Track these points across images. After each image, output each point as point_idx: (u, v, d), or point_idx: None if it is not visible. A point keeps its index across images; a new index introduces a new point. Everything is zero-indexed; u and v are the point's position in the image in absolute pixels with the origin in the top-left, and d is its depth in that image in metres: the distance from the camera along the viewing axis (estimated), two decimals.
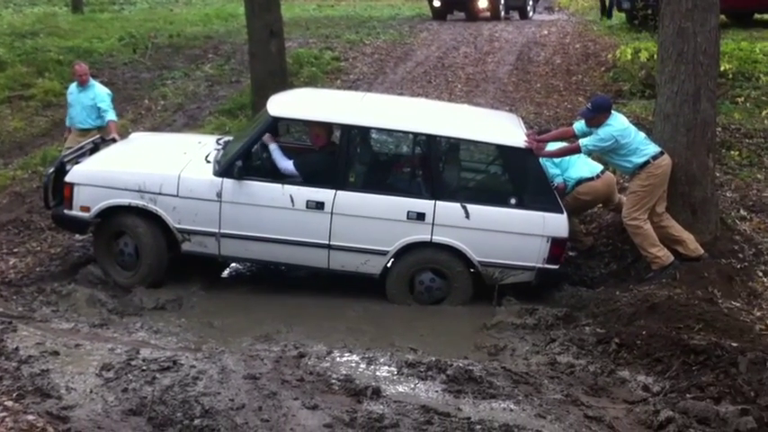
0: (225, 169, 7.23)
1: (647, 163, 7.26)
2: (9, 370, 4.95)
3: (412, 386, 5.24)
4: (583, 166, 7.81)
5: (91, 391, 4.77)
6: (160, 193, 7.25)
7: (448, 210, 7.15)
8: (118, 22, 19.97)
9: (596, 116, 7.30)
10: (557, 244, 7.17)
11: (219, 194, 7.21)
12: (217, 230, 7.28)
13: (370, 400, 4.93)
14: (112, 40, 17.17)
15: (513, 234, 7.17)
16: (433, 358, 5.66)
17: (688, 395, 5.30)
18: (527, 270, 7.26)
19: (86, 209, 7.34)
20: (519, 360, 6.15)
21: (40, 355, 5.19)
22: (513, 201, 7.20)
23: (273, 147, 7.48)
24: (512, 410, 4.94)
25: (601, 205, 8.27)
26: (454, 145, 7.69)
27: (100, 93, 9.43)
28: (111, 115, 9.23)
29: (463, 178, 7.84)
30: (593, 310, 6.95)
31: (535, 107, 12.49)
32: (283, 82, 11.46)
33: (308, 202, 7.17)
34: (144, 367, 5.05)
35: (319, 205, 7.16)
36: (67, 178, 7.43)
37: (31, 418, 4.35)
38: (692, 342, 5.86)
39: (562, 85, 13.98)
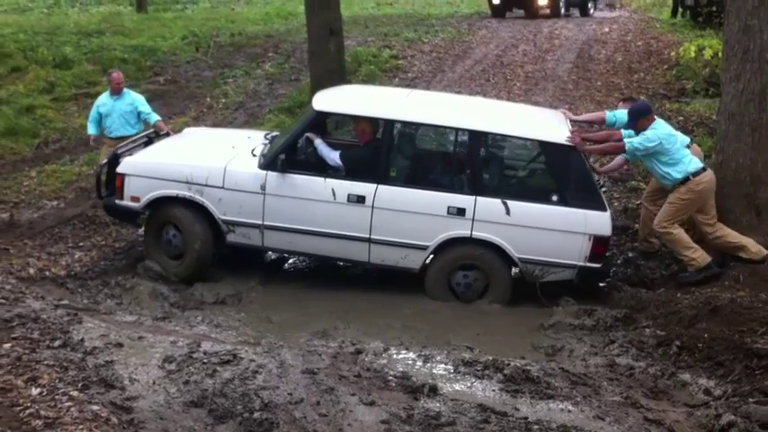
0: (269, 162, 7.36)
1: (686, 179, 7.19)
2: (74, 361, 5.08)
3: (469, 385, 5.24)
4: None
5: (153, 383, 4.87)
6: (206, 185, 7.40)
7: (488, 206, 7.11)
8: (181, 21, 20.32)
9: (639, 121, 7.23)
10: (599, 242, 7.06)
11: (263, 187, 7.32)
12: (260, 222, 7.38)
13: (427, 398, 4.95)
14: (175, 38, 17.47)
15: (554, 231, 7.09)
16: (490, 357, 5.65)
17: (750, 399, 5.21)
18: (568, 268, 7.17)
19: (136, 199, 7.55)
20: (577, 361, 6.09)
21: (105, 347, 5.31)
22: (554, 198, 7.12)
23: (319, 141, 7.55)
24: (570, 411, 4.91)
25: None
26: (495, 141, 7.67)
27: (137, 98, 9.50)
28: (155, 116, 9.35)
29: (504, 174, 7.77)
30: (653, 312, 6.84)
31: (595, 105, 12.34)
32: (342, 80, 11.53)
33: (349, 195, 7.22)
34: (205, 360, 5.14)
35: (360, 199, 7.21)
36: (119, 169, 7.65)
37: (95, 408, 4.47)
38: (755, 346, 5.75)
39: (623, 83, 13.79)
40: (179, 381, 4.89)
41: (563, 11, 22.29)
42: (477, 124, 7.39)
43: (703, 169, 7.25)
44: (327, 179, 7.29)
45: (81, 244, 8.25)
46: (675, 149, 7.22)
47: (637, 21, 20.67)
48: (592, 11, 23.72)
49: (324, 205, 7.26)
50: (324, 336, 6.46)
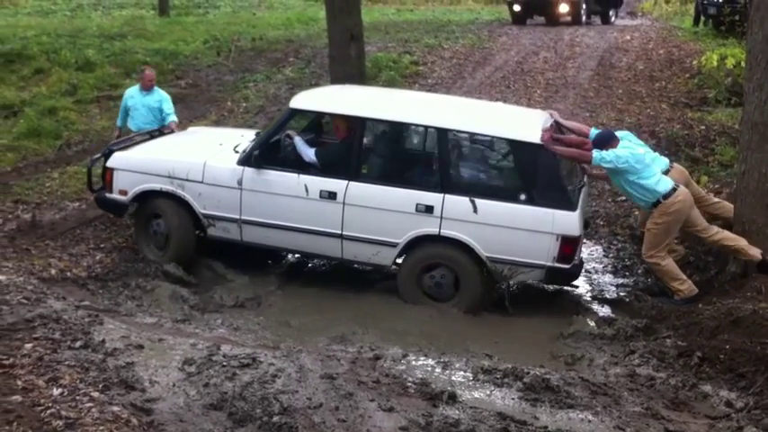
0: (245, 158, 7.53)
1: (657, 202, 7.16)
2: (95, 362, 5.11)
3: (488, 392, 5.23)
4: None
5: (173, 385, 4.89)
6: (187, 180, 7.63)
7: (456, 203, 7.07)
8: (202, 26, 20.41)
9: (605, 148, 7.17)
10: (567, 243, 6.93)
11: (240, 182, 7.50)
12: (238, 217, 7.55)
13: (446, 405, 4.94)
14: (197, 42, 17.55)
15: (521, 230, 6.98)
16: (510, 365, 5.63)
17: None
18: (536, 268, 7.05)
19: (124, 192, 7.85)
20: (597, 371, 6.06)
21: (125, 348, 5.35)
22: (522, 196, 7.01)
23: (297, 138, 7.68)
24: (590, 421, 4.88)
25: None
26: (464, 138, 7.60)
27: (165, 96, 9.74)
28: (172, 117, 9.56)
29: (473, 172, 7.70)
30: (674, 323, 6.80)
31: (616, 113, 12.30)
32: (362, 85, 11.53)
33: (321, 191, 7.30)
34: (225, 363, 5.16)
35: (332, 195, 7.28)
36: (108, 164, 7.97)
37: (115, 409, 4.49)
38: None
39: (645, 92, 13.72)
40: (199, 383, 4.91)
41: (584, 18, 22.18)
42: (445, 121, 7.34)
43: (673, 190, 7.18)
44: (301, 175, 7.40)
45: (102, 245, 8.29)
46: (643, 169, 7.15)
47: (658, 29, 20.56)
48: (613, 18, 23.61)
49: (297, 201, 7.37)
50: (342, 341, 6.47)
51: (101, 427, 4.23)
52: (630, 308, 7.36)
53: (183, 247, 7.78)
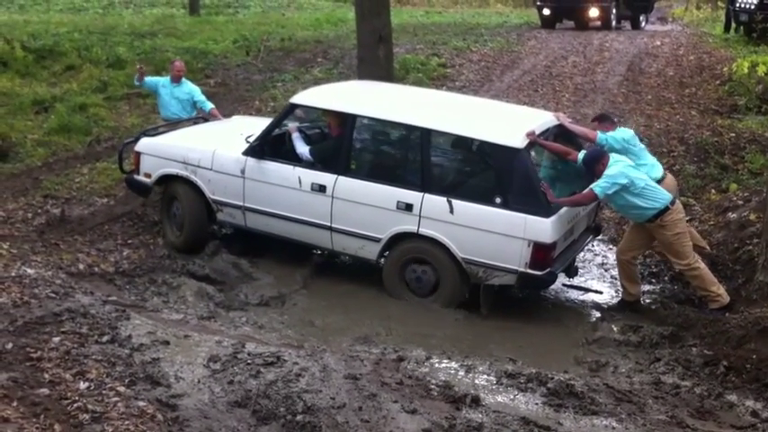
0: (248, 149, 7.82)
1: (660, 215, 7.05)
2: (122, 356, 5.16)
3: (511, 397, 5.21)
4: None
5: (198, 382, 4.93)
6: (199, 167, 8.02)
7: (434, 203, 7.10)
8: (232, 25, 20.54)
9: (596, 168, 7.05)
10: (539, 249, 6.85)
11: (243, 171, 7.81)
12: (242, 204, 7.88)
13: (469, 408, 4.93)
14: (227, 42, 17.66)
15: (494, 234, 6.94)
16: (533, 370, 5.60)
17: None
18: (510, 273, 7.00)
19: (148, 175, 8.34)
20: (621, 378, 6.02)
21: (152, 344, 5.39)
22: (498, 200, 6.96)
23: (295, 135, 7.90)
24: (614, 428, 4.86)
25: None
26: (446, 139, 7.59)
27: (194, 88, 10.13)
28: (209, 104, 9.98)
29: (453, 173, 7.71)
30: (700, 331, 6.73)
31: (645, 119, 12.22)
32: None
33: (312, 184, 7.54)
34: (249, 361, 5.19)
35: (322, 188, 7.48)
36: (136, 148, 8.50)
37: (141, 404, 4.54)
38: None
39: (674, 98, 13.63)
40: (223, 380, 4.95)
41: (614, 23, 22.07)
42: (428, 122, 7.36)
43: (672, 203, 7.12)
44: (296, 167, 7.64)
45: (130, 241, 8.36)
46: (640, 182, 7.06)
47: (689, 35, 20.42)
48: (643, 24, 23.47)
49: (292, 192, 7.63)
50: (366, 341, 6.47)
51: (126, 422, 4.27)
52: (656, 315, 7.30)
53: (195, 229, 8.15)
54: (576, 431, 4.76)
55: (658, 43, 18.45)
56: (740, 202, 8.67)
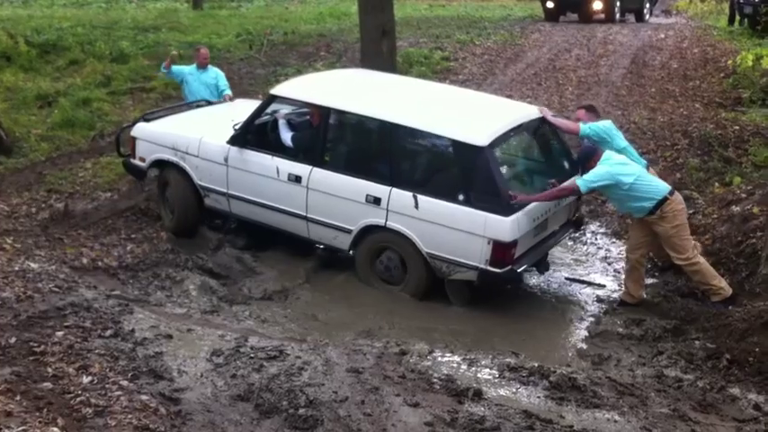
0: (231, 138, 8.00)
1: (659, 205, 7.01)
2: (125, 350, 5.18)
3: (513, 390, 5.22)
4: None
5: (201, 375, 4.95)
6: (187, 153, 8.26)
7: (401, 197, 7.16)
8: (235, 19, 20.54)
9: (588, 165, 7.04)
10: (499, 247, 6.86)
11: (227, 159, 7.99)
12: (226, 191, 8.09)
13: (472, 402, 4.94)
14: (230, 36, 17.66)
15: (456, 230, 6.97)
16: (536, 364, 5.60)
17: None
18: (470, 269, 7.01)
19: (143, 160, 8.62)
20: (624, 371, 6.01)
21: (155, 338, 5.41)
22: (460, 197, 6.99)
23: (282, 122, 8.09)
24: (616, 421, 4.86)
25: None
26: (413, 134, 7.54)
27: (219, 73, 10.54)
28: (228, 90, 10.29)
29: (420, 168, 7.70)
30: (703, 324, 6.72)
31: (649, 112, 12.20)
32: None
33: (289, 174, 7.66)
34: (252, 355, 5.21)
35: (298, 179, 7.62)
36: (131, 132, 8.79)
37: (144, 398, 4.56)
38: None
39: (678, 91, 13.60)
40: (226, 374, 4.96)
41: (618, 16, 22.02)
42: (397, 117, 7.38)
43: (671, 193, 7.10)
44: (274, 157, 7.78)
45: (133, 236, 8.36)
46: (637, 178, 7.01)
47: (693, 28, 20.37)
48: (647, 16, 23.40)
49: (270, 181, 7.78)
50: (368, 335, 6.48)
51: (129, 416, 4.29)
52: (659, 308, 7.28)
53: (184, 213, 8.39)
54: (578, 424, 4.75)
55: (662, 36, 18.41)
56: (744, 196, 8.65)
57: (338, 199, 7.44)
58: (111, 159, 10.15)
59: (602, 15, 21.65)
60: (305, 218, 7.68)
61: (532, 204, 7.07)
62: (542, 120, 7.74)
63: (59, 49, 15.62)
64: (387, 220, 7.26)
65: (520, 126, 7.52)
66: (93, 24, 18.33)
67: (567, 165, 7.78)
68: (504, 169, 7.33)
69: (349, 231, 7.48)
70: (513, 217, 6.84)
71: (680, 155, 10.40)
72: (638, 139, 10.97)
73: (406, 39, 17.02)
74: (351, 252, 7.64)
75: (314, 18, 21.13)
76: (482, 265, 6.93)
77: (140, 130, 8.71)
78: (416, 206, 7.09)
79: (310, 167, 7.58)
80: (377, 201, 7.26)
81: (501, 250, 6.86)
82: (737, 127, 11.12)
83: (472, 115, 7.78)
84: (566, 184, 7.19)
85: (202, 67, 10.36)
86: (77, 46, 15.77)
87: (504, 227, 6.83)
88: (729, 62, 14.45)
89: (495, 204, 6.84)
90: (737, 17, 19.13)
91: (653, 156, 10.36)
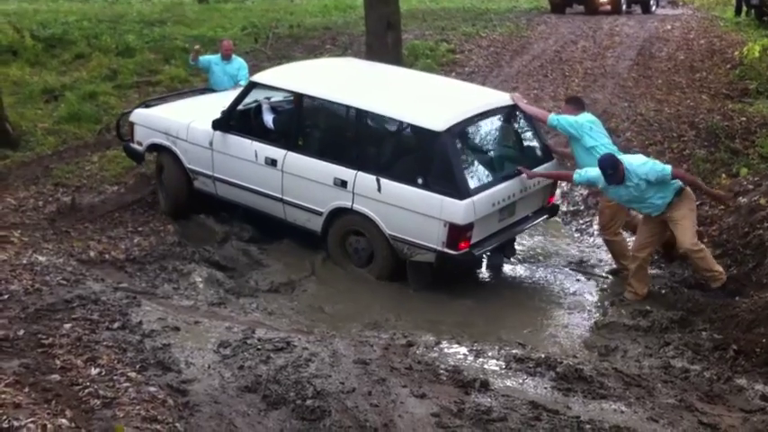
0: (214, 122, 8.25)
1: (677, 195, 7.05)
2: (133, 342, 5.20)
3: (520, 381, 5.22)
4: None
5: (209, 367, 4.96)
6: (177, 138, 8.58)
7: (365, 181, 7.36)
8: (241, 13, 20.50)
9: (613, 177, 6.97)
10: (454, 230, 7.00)
11: (211, 143, 8.29)
12: (212, 174, 8.38)
13: (478, 393, 4.95)
14: (235, 29, 17.64)
15: (415, 213, 7.15)
16: (542, 355, 5.62)
17: None
18: (429, 251, 7.18)
19: (140, 144, 8.97)
20: (631, 362, 6.02)
21: (162, 330, 5.43)
22: (420, 180, 7.15)
23: (265, 106, 8.47)
24: (623, 412, 4.86)
25: None
26: (377, 120, 7.71)
27: (243, 64, 10.92)
28: (244, 81, 10.23)
29: (383, 153, 7.79)
30: (710, 316, 6.73)
31: (656, 104, 12.15)
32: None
33: (266, 158, 7.94)
34: (259, 347, 5.22)
35: (273, 162, 7.88)
36: (130, 118, 9.16)
37: (152, 389, 4.57)
38: None
39: (685, 82, 13.53)
40: (234, 366, 4.97)
41: (624, 7, 21.91)
42: (362, 102, 7.56)
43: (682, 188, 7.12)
44: (253, 141, 8.04)
45: (140, 229, 8.39)
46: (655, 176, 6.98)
47: (700, 19, 20.26)
48: (654, 8, 23.27)
49: (250, 164, 8.06)
50: (375, 327, 6.50)
51: (137, 407, 4.30)
52: (666, 300, 7.28)
53: (176, 195, 8.73)
54: (585, 415, 4.76)
55: (669, 27, 18.32)
56: (750, 187, 8.62)
57: (310, 182, 7.69)
58: (118, 153, 10.17)
59: (609, 7, 21.55)
60: (281, 200, 7.92)
61: (494, 188, 7.23)
62: (514, 107, 7.88)
63: (65, 43, 15.64)
64: (353, 203, 7.45)
65: (486, 113, 7.65)
66: (98, 18, 18.33)
67: (539, 152, 7.95)
68: (466, 154, 7.51)
69: (320, 214, 7.68)
70: (469, 200, 7.00)
71: (687, 146, 10.37)
72: (644, 131, 10.94)
73: (411, 31, 16.98)
74: (323, 233, 7.79)
75: (319, 11, 21.08)
76: (439, 247, 7.10)
77: (138, 115, 9.07)
78: (379, 189, 7.28)
79: (285, 151, 7.82)
80: (344, 184, 7.46)
81: (456, 233, 7.03)
82: (744, 118, 11.07)
83: (437, 102, 7.93)
84: (567, 171, 7.36)
85: (226, 58, 10.75)
86: (83, 40, 15.78)
87: (459, 209, 6.99)
88: (736, 53, 14.35)
89: (451, 188, 7.02)
90: (744, 8, 19.04)
91: (660, 147, 10.34)
